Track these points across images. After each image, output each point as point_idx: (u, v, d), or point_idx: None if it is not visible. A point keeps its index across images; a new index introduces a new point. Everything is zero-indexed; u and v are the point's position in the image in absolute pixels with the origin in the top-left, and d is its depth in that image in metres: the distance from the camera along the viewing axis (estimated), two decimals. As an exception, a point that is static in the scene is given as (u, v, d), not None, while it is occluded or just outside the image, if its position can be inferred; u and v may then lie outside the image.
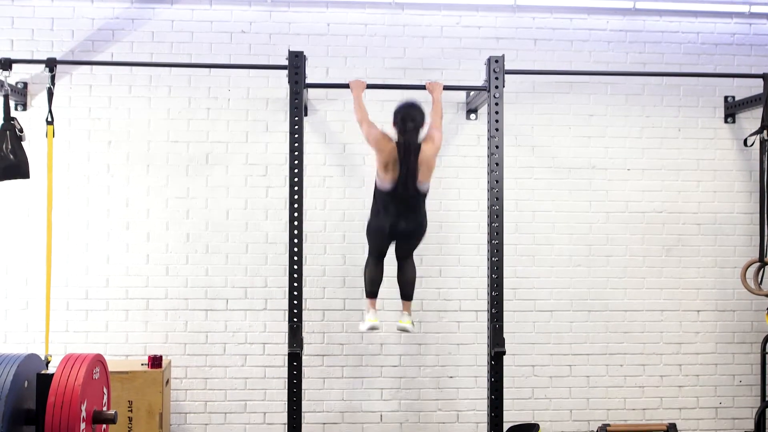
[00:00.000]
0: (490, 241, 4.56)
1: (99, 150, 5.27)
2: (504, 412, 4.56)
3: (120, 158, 5.28)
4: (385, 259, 4.66)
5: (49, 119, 4.27)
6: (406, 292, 4.71)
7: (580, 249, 5.49)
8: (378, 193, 4.53)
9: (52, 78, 4.42)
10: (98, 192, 5.25)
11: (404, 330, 4.70)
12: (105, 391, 2.75)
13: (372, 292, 4.68)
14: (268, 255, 5.30)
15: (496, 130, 4.58)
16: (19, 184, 4.64)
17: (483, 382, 5.02)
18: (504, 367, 4.54)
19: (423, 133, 4.46)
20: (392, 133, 4.43)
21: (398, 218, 4.47)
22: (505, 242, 4.61)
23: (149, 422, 4.63)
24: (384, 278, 4.67)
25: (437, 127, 4.53)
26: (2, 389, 2.41)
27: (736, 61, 5.63)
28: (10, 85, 4.48)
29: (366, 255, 4.73)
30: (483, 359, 5.05)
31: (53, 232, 4.31)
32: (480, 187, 5.27)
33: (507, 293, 4.73)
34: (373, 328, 4.62)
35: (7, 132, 4.32)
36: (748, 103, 5.42)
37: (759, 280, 5.33)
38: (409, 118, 4.40)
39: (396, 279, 4.72)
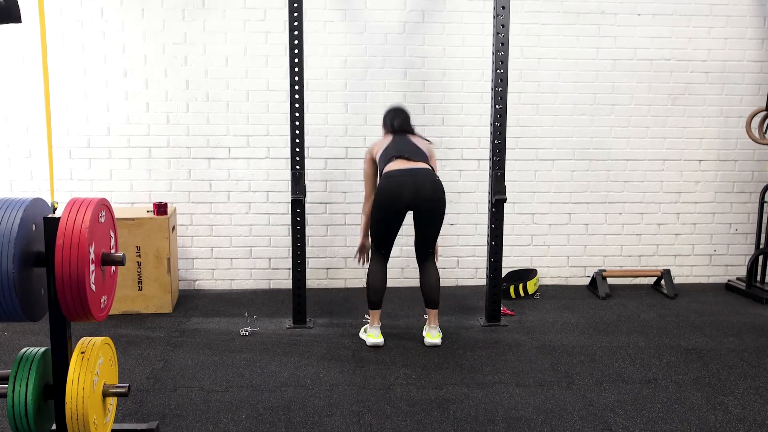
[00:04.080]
0: (494, 89, 4.48)
1: (91, -7, 5.09)
2: (503, 258, 4.67)
3: (113, 2, 5.09)
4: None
5: (37, -42, 4.08)
6: (432, 299, 4.26)
7: (585, 97, 5.41)
8: (380, 157, 4.29)
9: None
10: (93, 37, 5.11)
11: (434, 346, 4.21)
12: (112, 234, 2.79)
13: (376, 302, 4.26)
14: (269, 103, 5.24)
15: (504, -29, 4.39)
16: (12, 30, 4.51)
17: (483, 229, 5.11)
18: (504, 215, 4.60)
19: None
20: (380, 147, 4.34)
21: (402, 150, 4.18)
22: (509, 90, 4.53)
23: (158, 267, 4.75)
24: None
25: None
26: (11, 232, 2.44)
27: None
28: None
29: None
30: (484, 207, 5.11)
31: (50, 79, 4.23)
32: (485, 33, 5.12)
33: (509, 142, 4.72)
34: (376, 346, 4.19)
35: (-6, -27, 4.14)
36: (769, -58, 5.17)
37: (764, 129, 5.30)
38: (396, 116, 4.38)
39: (419, 284, 4.36)
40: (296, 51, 4.34)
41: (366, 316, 4.48)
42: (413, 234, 4.29)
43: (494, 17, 4.46)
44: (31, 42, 4.88)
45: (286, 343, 4.26)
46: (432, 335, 4.24)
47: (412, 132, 4.39)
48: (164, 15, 5.12)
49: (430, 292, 4.26)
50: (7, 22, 4.24)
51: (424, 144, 4.34)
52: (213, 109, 5.23)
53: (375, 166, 4.34)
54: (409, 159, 4.15)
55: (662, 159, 5.53)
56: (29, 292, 2.52)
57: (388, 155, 4.20)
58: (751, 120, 5.31)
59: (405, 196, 4.07)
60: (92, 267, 2.52)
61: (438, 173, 4.33)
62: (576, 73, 5.38)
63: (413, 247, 4.32)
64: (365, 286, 4.33)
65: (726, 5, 5.38)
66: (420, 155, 4.20)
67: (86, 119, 5.17)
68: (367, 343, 4.22)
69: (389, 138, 4.32)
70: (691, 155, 5.55)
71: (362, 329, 4.41)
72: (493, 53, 4.49)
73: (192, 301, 5.12)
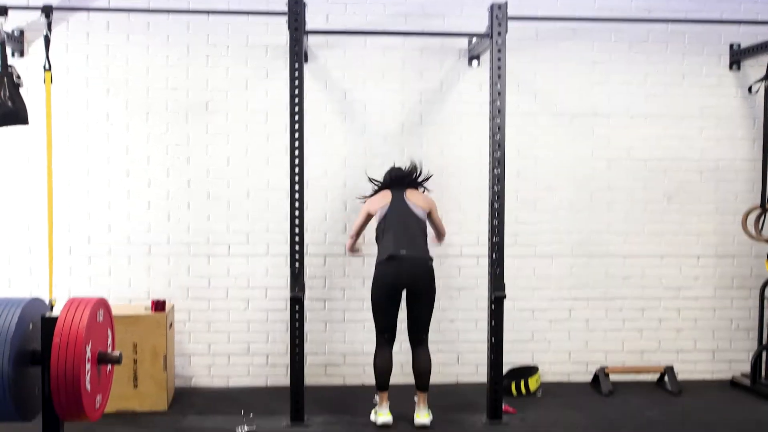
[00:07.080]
0: (491, 188, 4.56)
1: (97, 97, 5.24)
2: (504, 355, 4.63)
3: (119, 106, 5.25)
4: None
5: (47, 66, 4.23)
6: (422, 383, 4.48)
7: (582, 195, 5.49)
8: (378, 231, 4.64)
9: (49, 25, 4.36)
10: (98, 139, 5.24)
11: (424, 427, 4.40)
12: (109, 333, 2.79)
13: (383, 384, 4.49)
14: (270, 201, 5.32)
15: (499, 77, 4.54)
16: (19, 131, 4.62)
17: (483, 325, 5.06)
18: (504, 311, 4.59)
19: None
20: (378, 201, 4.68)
21: (399, 246, 4.44)
22: (506, 189, 4.61)
23: (154, 364, 4.70)
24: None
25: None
26: (7, 331, 2.44)
27: (742, 7, 5.56)
28: (6, 32, 4.42)
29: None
30: (483, 303, 5.09)
31: (54, 178, 4.31)
32: (482, 134, 5.24)
33: (508, 239, 4.74)
34: (385, 426, 4.42)
35: (5, 79, 4.28)
36: (754, 50, 5.37)
37: (759, 226, 5.35)
38: (393, 171, 4.78)
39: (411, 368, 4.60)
40: (297, 152, 4.44)
41: (375, 398, 4.62)
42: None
43: (490, 120, 4.58)
44: (36, 142, 4.99)
45: (283, 444, 4.17)
46: (421, 415, 4.43)
47: (408, 185, 4.68)
48: (168, 118, 5.26)
49: (421, 376, 4.49)
50: (15, 124, 4.38)
51: (422, 201, 4.64)
52: (214, 206, 5.30)
53: (368, 218, 4.71)
54: (406, 251, 4.45)
55: (660, 255, 5.55)
56: (23, 391, 2.50)
57: (387, 227, 4.52)
58: (747, 217, 5.37)
59: (401, 279, 4.43)
60: (88, 366, 2.50)
61: (442, 222, 4.85)
62: (572, 172, 5.48)
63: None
64: (373, 368, 4.54)
65: (716, 107, 5.54)
66: (416, 240, 4.49)
67: (88, 217, 5.24)
68: (377, 423, 4.42)
69: (387, 197, 4.59)
70: (689, 251, 5.57)
71: (372, 411, 4.58)
72: (490, 154, 4.59)
73: (188, 399, 5.03)
